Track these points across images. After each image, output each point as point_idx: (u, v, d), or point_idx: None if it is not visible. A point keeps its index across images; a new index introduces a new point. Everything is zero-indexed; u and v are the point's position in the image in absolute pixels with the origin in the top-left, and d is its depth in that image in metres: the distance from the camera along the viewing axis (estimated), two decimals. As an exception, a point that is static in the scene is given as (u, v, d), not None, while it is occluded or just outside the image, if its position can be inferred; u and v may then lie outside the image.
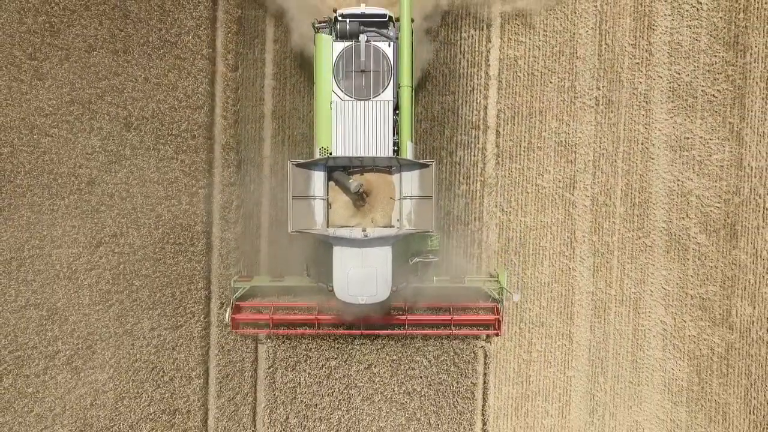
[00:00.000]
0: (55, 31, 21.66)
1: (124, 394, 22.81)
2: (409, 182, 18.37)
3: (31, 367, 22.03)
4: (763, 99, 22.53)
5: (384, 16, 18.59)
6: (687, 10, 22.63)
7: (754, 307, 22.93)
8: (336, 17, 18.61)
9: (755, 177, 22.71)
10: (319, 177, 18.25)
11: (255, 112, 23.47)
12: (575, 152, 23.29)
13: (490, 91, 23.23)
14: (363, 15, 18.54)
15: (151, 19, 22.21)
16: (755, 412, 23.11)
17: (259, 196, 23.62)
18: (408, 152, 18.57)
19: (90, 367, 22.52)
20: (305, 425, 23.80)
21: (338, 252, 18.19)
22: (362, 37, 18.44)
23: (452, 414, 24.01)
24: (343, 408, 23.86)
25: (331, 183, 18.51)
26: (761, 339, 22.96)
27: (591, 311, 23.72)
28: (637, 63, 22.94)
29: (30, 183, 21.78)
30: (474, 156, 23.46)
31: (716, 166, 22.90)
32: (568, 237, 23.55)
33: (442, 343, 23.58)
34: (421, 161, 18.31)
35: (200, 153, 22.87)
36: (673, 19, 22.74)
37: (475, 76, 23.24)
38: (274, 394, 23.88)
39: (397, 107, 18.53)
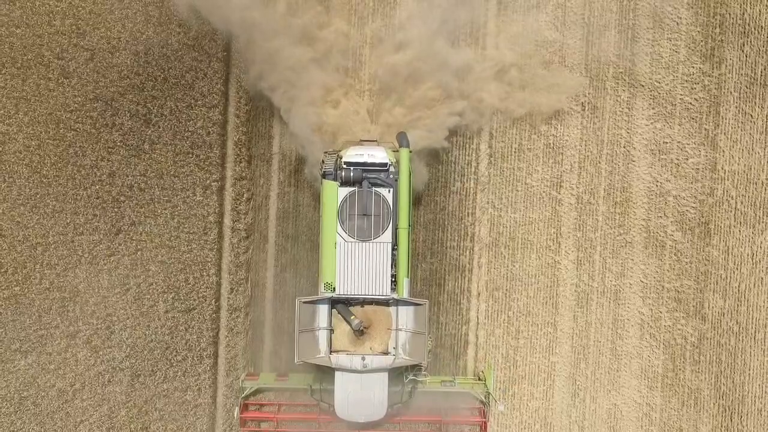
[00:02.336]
0: (81, 33, 23.19)
1: (139, 372, 24.29)
2: (405, 316, 20.28)
3: (54, 345, 23.49)
4: (736, 107, 24.33)
5: (385, 165, 20.15)
6: (667, 24, 24.38)
7: (725, 300, 24.71)
8: (341, 162, 20.14)
9: (728, 180, 24.50)
10: (323, 310, 20.10)
11: (265, 111, 25.03)
12: (562, 154, 25.00)
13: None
14: (365, 164, 20.08)
15: (171, 23, 23.76)
16: (724, 397, 24.89)
17: (267, 189, 25.24)
18: (404, 288, 20.40)
19: (108, 346, 24.00)
20: (307, 403, 25.45)
21: (339, 377, 20.19)
22: (365, 183, 20.04)
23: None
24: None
25: (334, 311, 20.30)
26: (731, 330, 24.75)
27: (574, 302, 25.41)
28: (621, 72, 24.66)
29: (56, 174, 23.33)
30: (468, 156, 25.12)
31: (692, 169, 24.67)
32: (554, 232, 25.25)
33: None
34: (414, 300, 20.25)
35: (214, 148, 24.41)
36: (654, 32, 24.48)
37: (471, 82, 24.91)
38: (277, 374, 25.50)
39: (395, 245, 20.27)
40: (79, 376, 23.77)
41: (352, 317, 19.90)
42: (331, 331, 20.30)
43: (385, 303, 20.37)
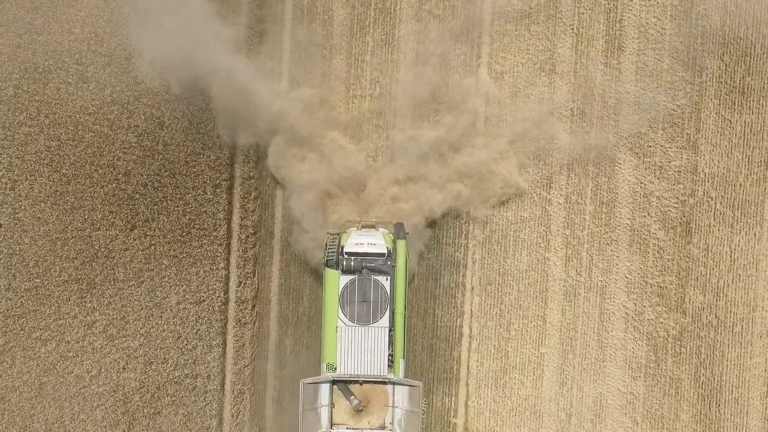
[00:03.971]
0: (99, 40, 24.44)
1: (152, 360, 25.55)
2: (400, 394, 21.77)
3: (72, 334, 24.75)
4: (716, 113, 25.62)
5: (383, 255, 21.59)
6: (652, 35, 25.68)
7: (705, 296, 25.99)
8: (343, 254, 21.58)
9: (708, 182, 25.82)
10: (325, 389, 21.58)
11: (272, 114, 26.26)
12: (552, 156, 26.32)
13: (479, 100, 26.20)
14: (365, 254, 21.51)
15: (183, 32, 25.03)
16: (703, 386, 26.14)
17: (274, 188, 26.47)
18: (400, 369, 21.95)
19: (123, 335, 25.25)
20: (310, 390, 26.76)
21: None
22: (364, 272, 21.44)
23: (440, 387, 27.07)
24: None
25: (335, 387, 21.76)
26: (710, 323, 26.00)
27: (563, 296, 26.61)
28: (608, 79, 25.90)
29: (74, 173, 24.62)
30: (463, 158, 26.40)
31: (674, 171, 25.95)
32: (544, 230, 26.45)
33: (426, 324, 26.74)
34: (409, 382, 21.69)
35: (224, 149, 25.63)
36: (640, 42, 25.75)
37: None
38: (281, 362, 26.90)
39: (392, 328, 21.73)
40: (96, 363, 25.01)
41: (352, 397, 21.41)
42: (332, 406, 21.81)
43: (383, 381, 21.75)
